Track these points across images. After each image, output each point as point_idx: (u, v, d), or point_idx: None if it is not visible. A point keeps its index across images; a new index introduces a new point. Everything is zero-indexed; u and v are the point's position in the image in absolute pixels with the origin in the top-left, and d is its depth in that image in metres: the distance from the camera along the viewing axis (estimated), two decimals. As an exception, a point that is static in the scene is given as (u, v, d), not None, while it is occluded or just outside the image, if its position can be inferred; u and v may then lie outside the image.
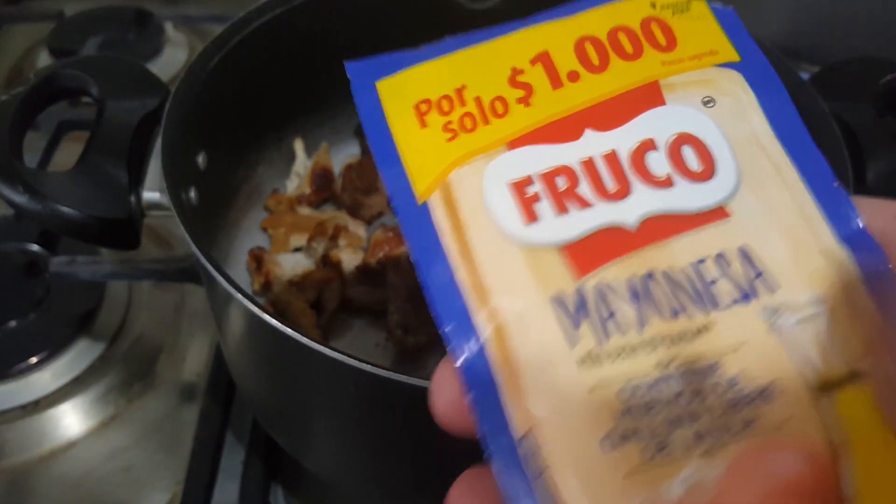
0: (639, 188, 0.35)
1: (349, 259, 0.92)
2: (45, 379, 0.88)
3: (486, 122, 0.38)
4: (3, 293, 0.94)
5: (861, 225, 0.34)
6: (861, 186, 0.74)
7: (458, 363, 0.34)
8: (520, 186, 0.36)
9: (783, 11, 1.24)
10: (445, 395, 0.35)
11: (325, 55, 0.96)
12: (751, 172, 0.35)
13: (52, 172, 0.74)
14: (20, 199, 0.68)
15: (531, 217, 0.35)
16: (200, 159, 0.81)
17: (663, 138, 0.36)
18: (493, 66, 0.40)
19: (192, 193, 0.78)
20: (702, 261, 0.34)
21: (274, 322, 0.57)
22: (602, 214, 0.35)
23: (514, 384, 0.33)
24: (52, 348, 0.89)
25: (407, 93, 0.39)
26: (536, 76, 0.39)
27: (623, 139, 0.36)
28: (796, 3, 1.23)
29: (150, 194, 0.74)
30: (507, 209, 0.35)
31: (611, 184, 0.35)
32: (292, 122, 1.01)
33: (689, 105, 0.37)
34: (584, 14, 0.40)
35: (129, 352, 0.92)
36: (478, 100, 0.38)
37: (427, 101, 0.39)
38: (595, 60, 0.39)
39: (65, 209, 0.69)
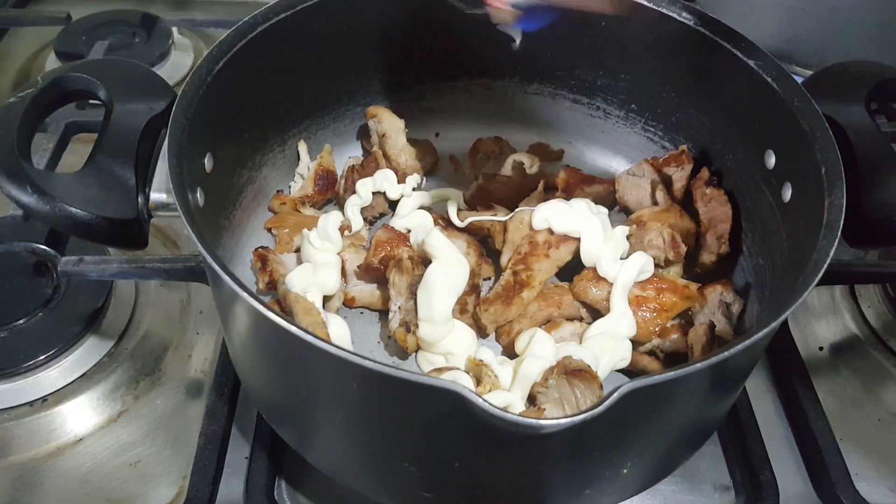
0: None
1: (352, 258, 0.93)
2: (53, 376, 0.90)
3: None
4: (11, 292, 0.95)
5: None
6: (853, 185, 0.75)
7: None
8: None
9: (779, 17, 1.25)
10: None
11: (328, 59, 0.98)
12: None
13: (61, 174, 0.75)
14: (29, 199, 0.70)
15: None
16: (206, 161, 0.82)
17: None
18: None
19: (199, 194, 0.79)
20: None
21: (279, 320, 0.58)
22: None
23: None
24: (61, 346, 0.91)
25: None
26: None
27: None
28: (791, 10, 1.24)
29: (158, 195, 0.75)
30: None
31: None
32: (296, 125, 1.02)
33: None
34: None
35: (136, 349, 0.94)
36: None
37: None
38: None
39: (73, 210, 0.71)
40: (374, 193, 1.00)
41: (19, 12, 1.49)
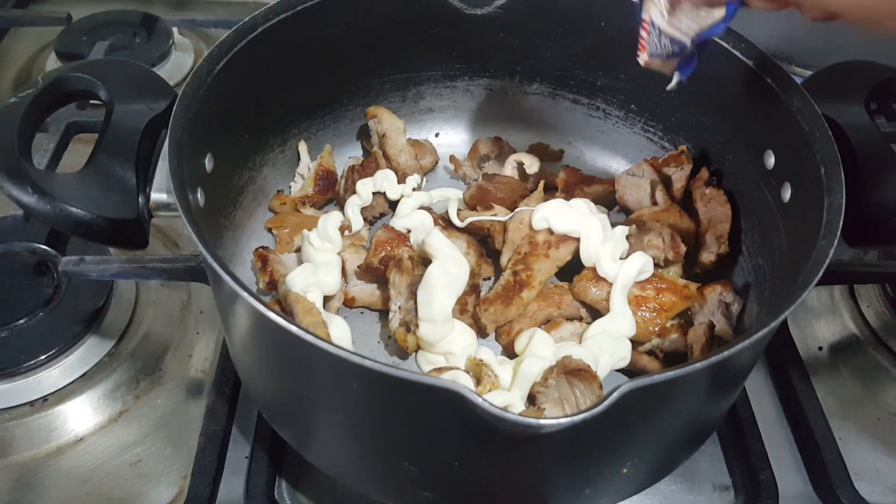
0: None
1: (352, 258, 0.93)
2: (54, 376, 0.90)
3: None
4: (12, 292, 0.95)
5: None
6: (853, 185, 0.75)
7: None
8: None
9: (778, 17, 1.25)
10: None
11: (328, 59, 0.98)
12: None
13: (61, 174, 0.76)
14: (29, 199, 0.70)
15: None
16: (207, 161, 0.82)
17: None
18: None
19: (199, 194, 0.79)
20: None
21: (279, 319, 0.58)
22: None
23: None
24: (61, 346, 0.91)
25: None
26: None
27: None
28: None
29: (158, 195, 0.75)
30: None
31: None
32: (296, 125, 1.03)
33: None
34: None
35: (137, 349, 0.94)
36: None
37: None
38: None
39: (74, 210, 0.71)
40: (374, 193, 1.00)
41: (20, 12, 1.49)
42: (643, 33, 0.71)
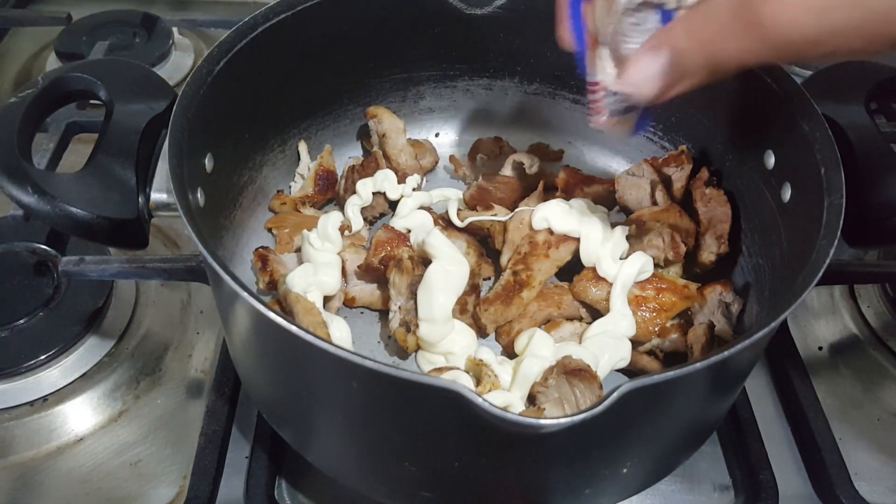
0: None
1: (352, 258, 0.93)
2: (54, 376, 0.90)
3: None
4: (12, 292, 0.95)
5: None
6: (853, 185, 0.74)
7: None
8: None
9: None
10: None
11: (328, 59, 0.98)
12: None
13: (61, 174, 0.76)
14: (29, 199, 0.70)
15: None
16: (207, 161, 0.82)
17: None
18: None
19: (199, 194, 0.79)
20: None
21: (279, 320, 0.58)
22: None
23: None
24: (61, 346, 0.91)
25: None
26: None
27: None
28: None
29: (158, 195, 0.75)
30: None
31: None
32: (296, 125, 1.03)
33: None
34: None
35: (137, 349, 0.94)
36: None
37: None
38: None
39: (74, 210, 0.71)
40: (374, 193, 1.00)
41: (20, 12, 1.49)
42: (595, 97, 0.70)
